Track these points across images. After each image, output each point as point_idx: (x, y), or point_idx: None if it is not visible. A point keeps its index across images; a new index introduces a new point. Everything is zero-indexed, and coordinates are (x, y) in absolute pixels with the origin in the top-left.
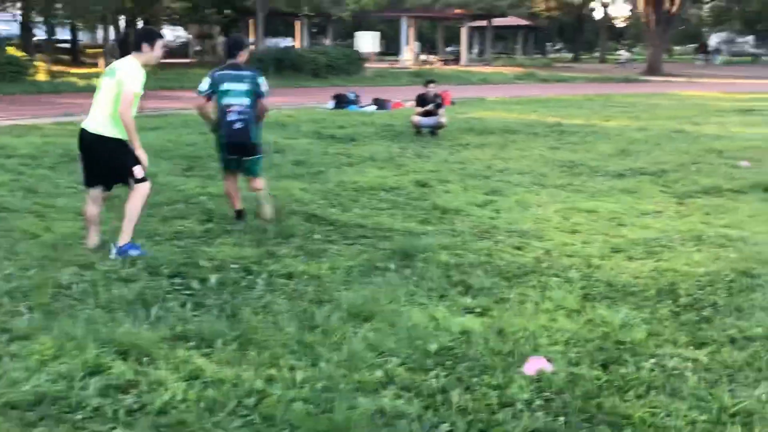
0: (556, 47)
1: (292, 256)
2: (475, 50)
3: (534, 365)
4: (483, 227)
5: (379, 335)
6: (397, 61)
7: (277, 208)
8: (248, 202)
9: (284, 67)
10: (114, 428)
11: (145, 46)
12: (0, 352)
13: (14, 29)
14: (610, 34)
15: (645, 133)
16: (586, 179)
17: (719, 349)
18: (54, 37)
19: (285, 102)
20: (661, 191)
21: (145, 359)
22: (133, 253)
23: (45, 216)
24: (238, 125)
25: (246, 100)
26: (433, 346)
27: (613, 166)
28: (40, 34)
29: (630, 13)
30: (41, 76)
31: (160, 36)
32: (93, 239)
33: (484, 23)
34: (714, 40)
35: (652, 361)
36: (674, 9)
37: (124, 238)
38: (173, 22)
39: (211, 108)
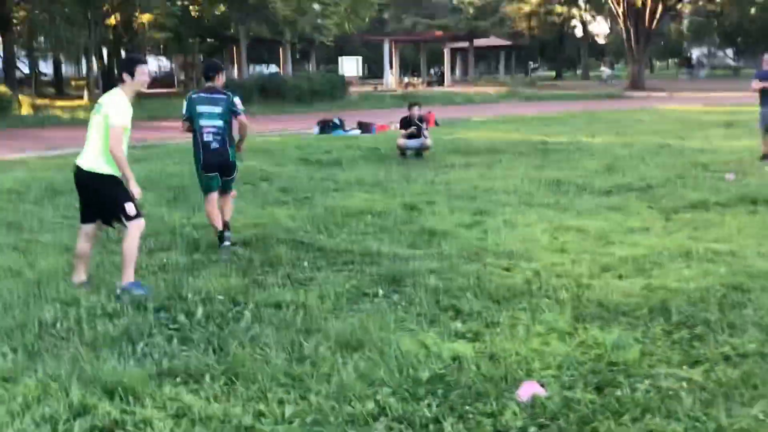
0: (533, 66)
1: (279, 285)
2: (458, 71)
3: (527, 390)
4: (471, 249)
5: (369, 364)
6: (381, 84)
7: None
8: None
9: (268, 94)
10: None
11: (125, 76)
12: None
13: None
14: (591, 51)
15: (630, 149)
16: (573, 197)
17: (713, 368)
18: (37, 70)
19: (270, 129)
20: (648, 207)
21: (131, 398)
22: (137, 292)
23: (28, 252)
24: (214, 145)
25: (219, 122)
26: (424, 374)
27: (599, 183)
28: (22, 67)
29: (610, 30)
30: (25, 110)
31: (139, 61)
32: (80, 275)
33: (465, 44)
34: (695, 54)
35: (647, 382)
36: (653, 25)
37: (126, 278)
38: (157, 52)
39: None
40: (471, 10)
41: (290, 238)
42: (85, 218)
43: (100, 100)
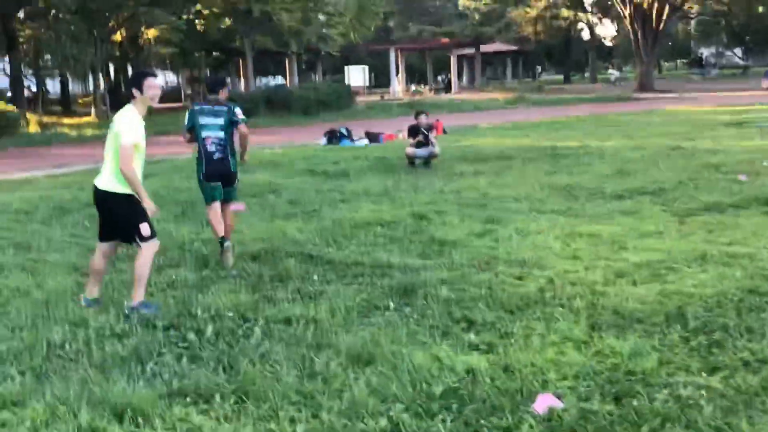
0: (539, 71)
1: (289, 300)
2: (465, 78)
3: (544, 402)
4: (482, 258)
5: (381, 380)
6: (387, 93)
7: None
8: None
9: (275, 106)
10: None
11: (135, 92)
12: None
13: (3, 82)
14: (599, 53)
15: (641, 152)
16: (585, 203)
17: (733, 374)
18: (44, 88)
19: (277, 141)
20: (661, 211)
21: (140, 419)
22: (145, 311)
23: (36, 272)
24: (217, 155)
25: (221, 134)
26: (438, 389)
27: (611, 188)
28: (29, 85)
29: (617, 32)
30: (32, 128)
31: (147, 75)
32: (92, 291)
33: (472, 51)
34: (705, 53)
35: (665, 391)
36: (661, 26)
37: (136, 298)
38: (163, 67)
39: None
40: (476, 16)
41: (299, 251)
42: (103, 236)
43: (113, 117)
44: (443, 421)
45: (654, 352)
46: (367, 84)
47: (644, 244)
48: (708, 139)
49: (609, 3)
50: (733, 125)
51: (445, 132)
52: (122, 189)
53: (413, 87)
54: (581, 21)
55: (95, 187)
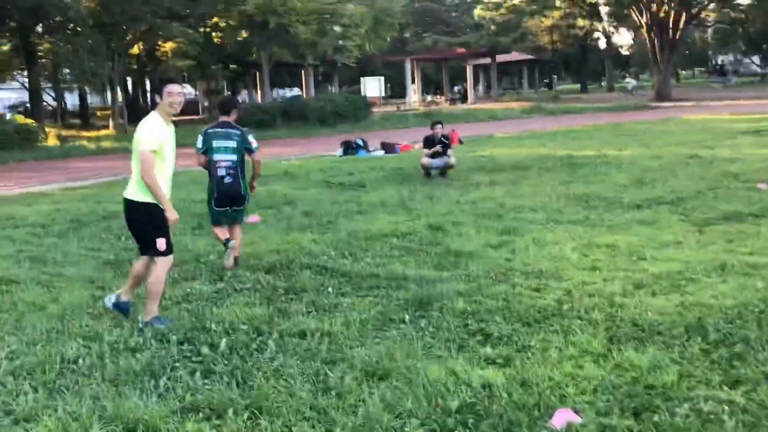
0: (555, 80)
1: (303, 313)
2: (481, 87)
3: (562, 418)
4: (499, 270)
5: (396, 394)
6: (403, 103)
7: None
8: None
9: (291, 117)
10: None
11: (158, 98)
12: None
13: (24, 96)
14: (615, 62)
15: (659, 161)
16: (603, 212)
17: (755, 388)
18: (63, 102)
19: (293, 152)
20: (680, 220)
21: None
22: (158, 326)
23: (52, 286)
24: (228, 179)
25: (233, 157)
26: (453, 404)
27: (628, 197)
28: (48, 99)
29: (634, 41)
30: (51, 141)
31: (168, 81)
32: (124, 296)
33: (488, 60)
34: (725, 61)
35: (686, 405)
36: (677, 34)
37: (149, 312)
38: (180, 80)
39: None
40: (492, 27)
41: (314, 263)
42: (141, 250)
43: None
44: None
45: (674, 365)
46: (383, 95)
47: (663, 254)
48: (726, 148)
49: (625, 12)
50: (752, 133)
51: (461, 142)
52: (144, 198)
53: (429, 97)
54: (597, 30)
55: (124, 198)
